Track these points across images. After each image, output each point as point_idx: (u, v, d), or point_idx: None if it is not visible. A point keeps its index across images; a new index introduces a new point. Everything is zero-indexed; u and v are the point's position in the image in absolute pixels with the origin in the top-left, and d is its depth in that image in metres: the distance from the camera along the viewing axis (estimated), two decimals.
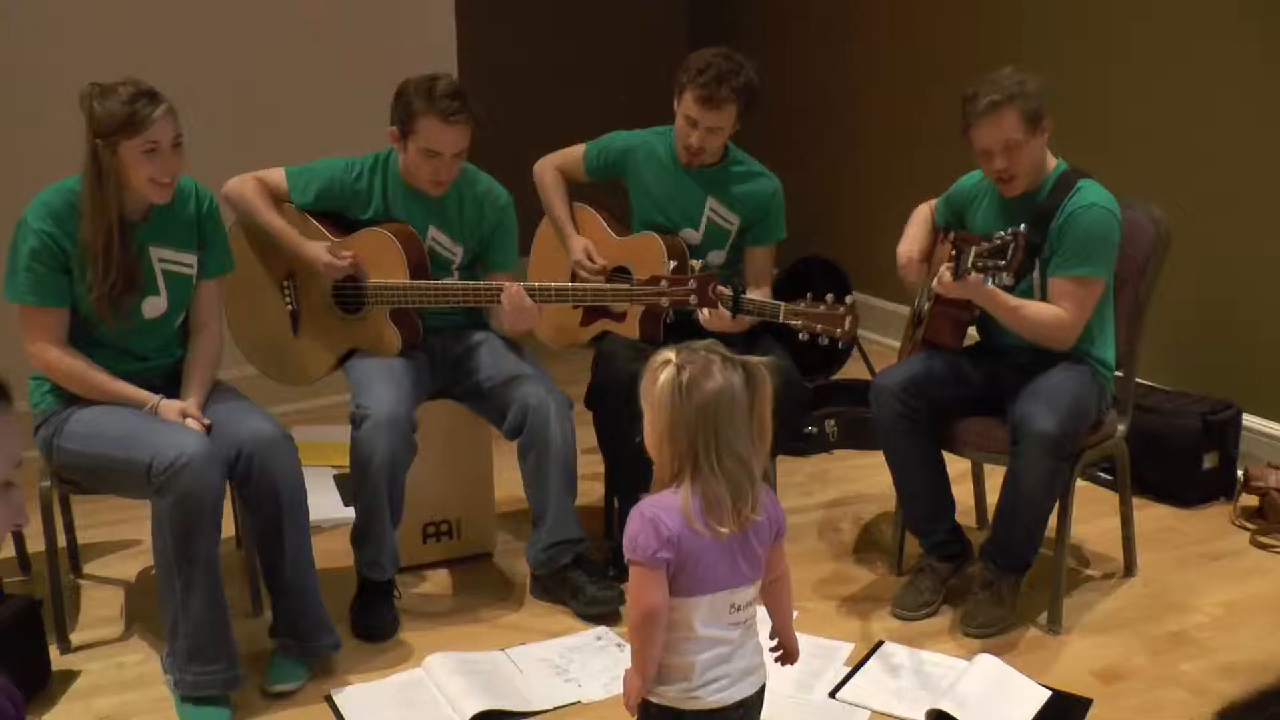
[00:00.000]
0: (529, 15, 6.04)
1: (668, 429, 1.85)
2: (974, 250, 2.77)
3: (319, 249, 3.07)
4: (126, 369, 2.75)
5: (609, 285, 3.21)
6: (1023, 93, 2.84)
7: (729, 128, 3.23)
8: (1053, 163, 2.97)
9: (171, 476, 2.51)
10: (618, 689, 2.69)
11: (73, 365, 2.69)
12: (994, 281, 2.77)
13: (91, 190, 2.62)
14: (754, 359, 1.89)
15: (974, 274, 2.76)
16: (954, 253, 2.83)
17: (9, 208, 2.77)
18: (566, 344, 3.52)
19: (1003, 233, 2.74)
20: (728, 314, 2.97)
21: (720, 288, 2.95)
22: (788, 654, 2.13)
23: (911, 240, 3.19)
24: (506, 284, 3.01)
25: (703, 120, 3.18)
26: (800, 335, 2.91)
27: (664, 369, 1.86)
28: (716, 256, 3.37)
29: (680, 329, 3.16)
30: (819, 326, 2.89)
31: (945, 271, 2.82)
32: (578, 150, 3.48)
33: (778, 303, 2.97)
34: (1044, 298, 2.93)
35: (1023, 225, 2.73)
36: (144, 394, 2.72)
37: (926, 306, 3.10)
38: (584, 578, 3.06)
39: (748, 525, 1.90)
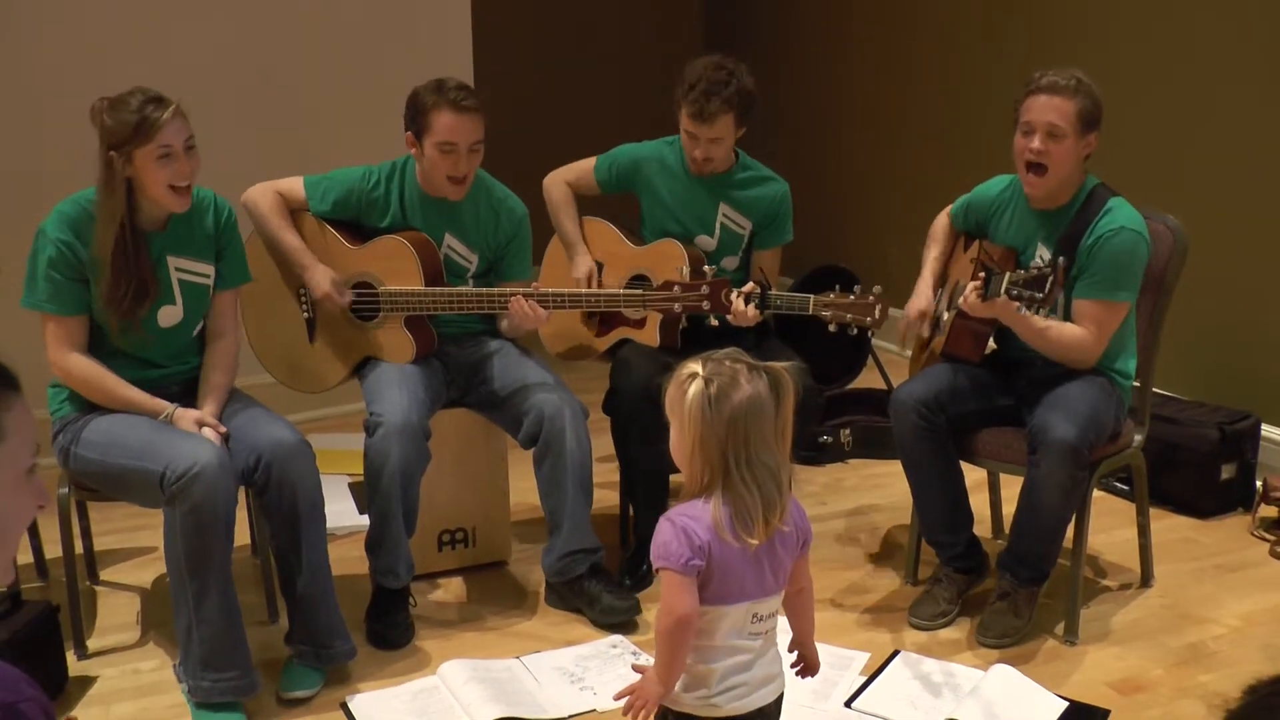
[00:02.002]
0: (545, 28, 6.08)
1: (698, 441, 1.84)
2: (1008, 277, 2.74)
3: (324, 278, 3.08)
4: (143, 376, 2.76)
5: (621, 291, 3.21)
6: (1090, 94, 2.84)
7: (729, 137, 3.22)
8: (1084, 177, 2.95)
9: (184, 486, 2.51)
10: None
11: (90, 373, 2.70)
12: (1028, 311, 2.74)
13: (105, 202, 2.63)
14: (778, 364, 1.89)
15: (1003, 297, 2.74)
16: (982, 275, 2.81)
17: (29, 217, 2.79)
18: (584, 356, 3.52)
19: (1040, 263, 2.71)
20: (750, 312, 2.96)
21: (749, 285, 2.96)
22: (808, 666, 2.13)
23: (927, 273, 3.16)
24: (518, 291, 3.02)
25: (700, 134, 3.19)
26: (830, 326, 2.91)
27: (692, 382, 1.85)
28: (730, 262, 3.37)
29: (699, 334, 3.16)
30: (849, 316, 2.89)
31: (972, 293, 2.79)
32: (587, 164, 3.47)
33: (807, 295, 2.97)
34: (1066, 314, 2.92)
35: (1061, 259, 2.71)
36: (160, 403, 2.72)
37: (945, 316, 3.08)
38: (600, 587, 3.06)
39: (775, 535, 1.89)
